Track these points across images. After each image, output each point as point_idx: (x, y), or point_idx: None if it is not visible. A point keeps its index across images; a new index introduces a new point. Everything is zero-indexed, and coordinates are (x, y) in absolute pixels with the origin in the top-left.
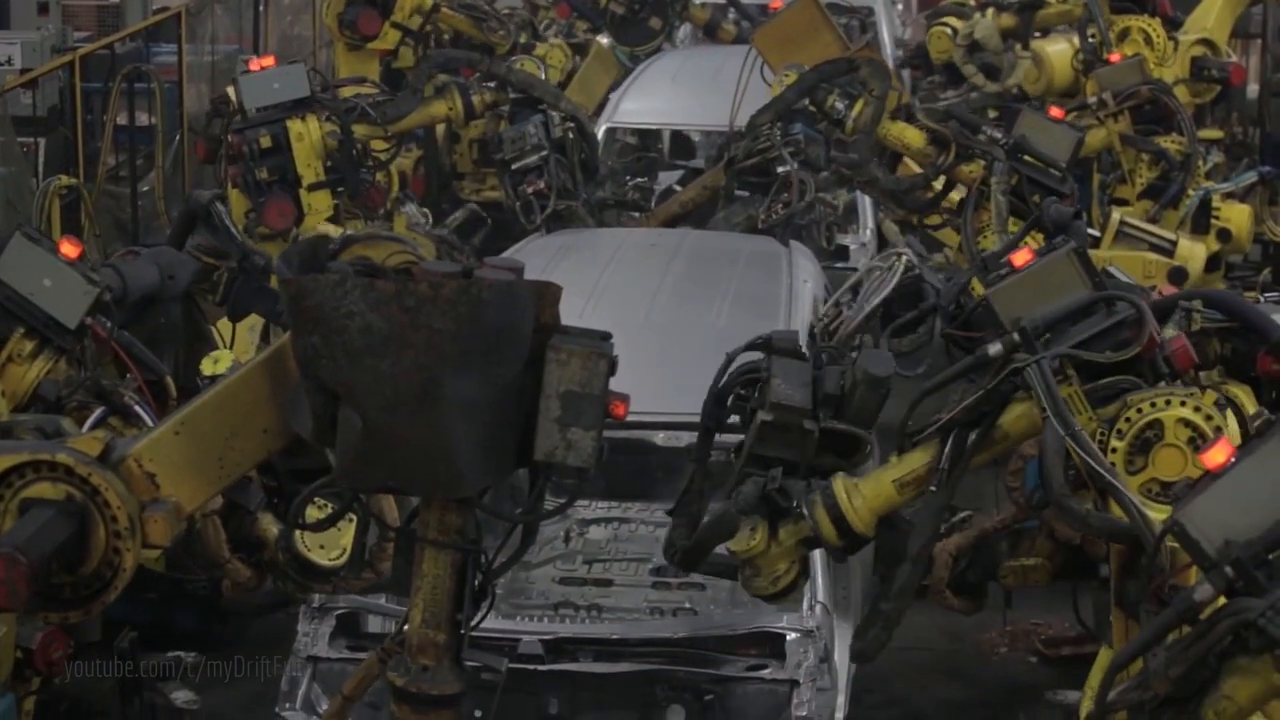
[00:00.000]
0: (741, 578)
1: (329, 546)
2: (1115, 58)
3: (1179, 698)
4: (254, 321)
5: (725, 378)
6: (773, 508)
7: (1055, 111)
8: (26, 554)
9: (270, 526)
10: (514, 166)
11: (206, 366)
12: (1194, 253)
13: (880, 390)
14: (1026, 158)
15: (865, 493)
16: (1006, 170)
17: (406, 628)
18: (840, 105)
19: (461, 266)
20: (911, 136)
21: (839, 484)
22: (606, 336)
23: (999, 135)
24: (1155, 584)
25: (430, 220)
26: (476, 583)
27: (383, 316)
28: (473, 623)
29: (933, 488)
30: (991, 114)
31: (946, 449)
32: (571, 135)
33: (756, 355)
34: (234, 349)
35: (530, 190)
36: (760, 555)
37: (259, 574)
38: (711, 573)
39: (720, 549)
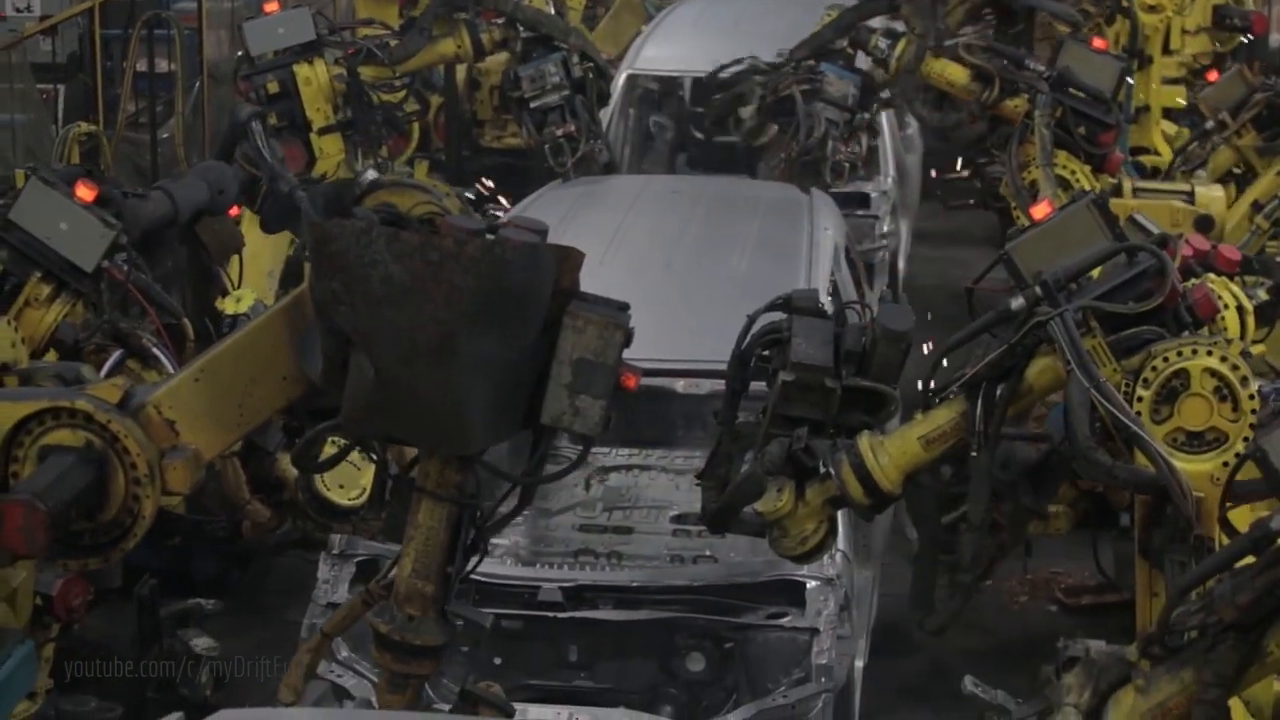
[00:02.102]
0: (769, 539)
1: (348, 486)
2: (1213, 76)
3: (1243, 625)
4: (273, 267)
5: (747, 339)
6: (799, 468)
7: (1098, 42)
8: (45, 501)
9: (290, 467)
10: (533, 105)
11: (229, 305)
12: (1213, 197)
13: (901, 345)
14: (1071, 89)
15: (891, 451)
16: (1050, 103)
17: (396, 574)
18: (883, 44)
19: (486, 223)
20: (955, 73)
21: (864, 442)
22: (624, 307)
23: (1042, 68)
24: (1191, 535)
25: None
26: (470, 538)
27: (405, 268)
28: (461, 576)
29: (973, 452)
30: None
31: (978, 408)
32: (591, 75)
33: (778, 315)
34: (243, 285)
35: (560, 133)
36: (787, 516)
37: (279, 514)
38: (743, 532)
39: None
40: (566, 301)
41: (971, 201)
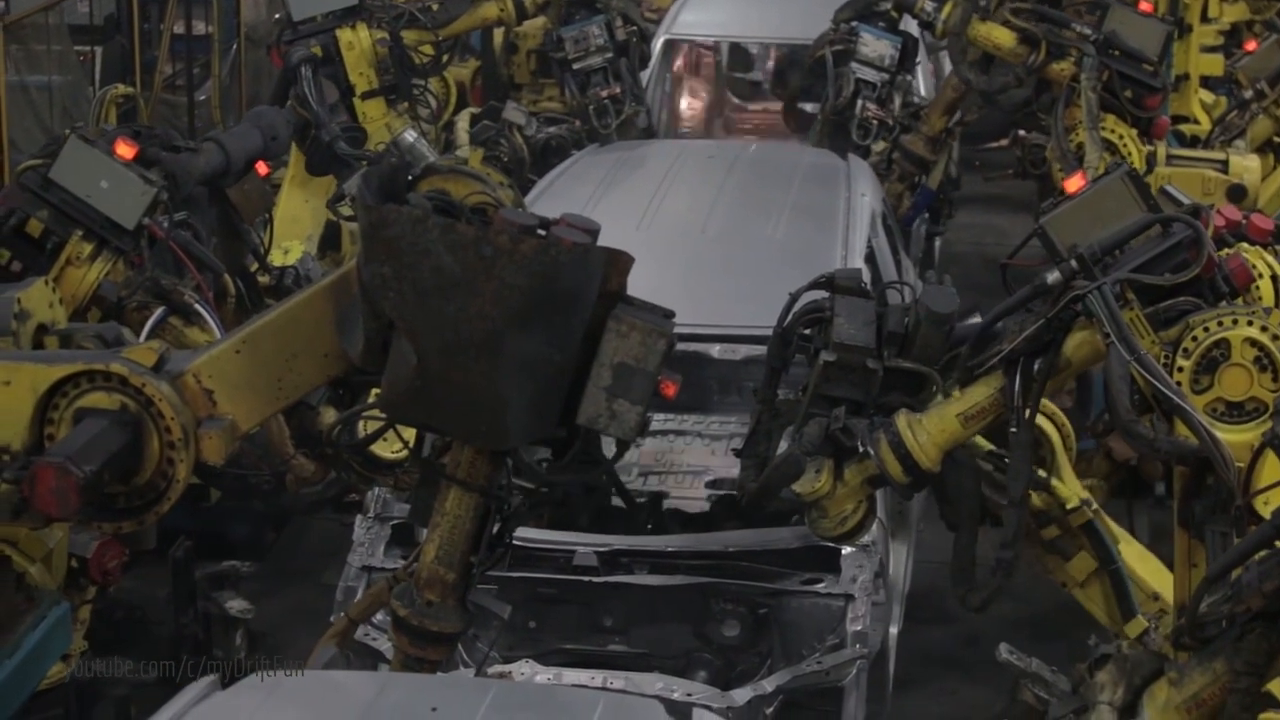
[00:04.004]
0: (808, 520)
1: (391, 439)
2: (1251, 46)
3: (1270, 612)
4: (312, 231)
5: (789, 317)
6: (837, 447)
7: (1144, 5)
8: (78, 464)
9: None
10: (576, 66)
11: (276, 257)
12: (1248, 166)
13: (943, 327)
14: (1116, 52)
15: (930, 428)
16: (1097, 66)
17: (419, 559)
18: (930, 7)
19: (539, 219)
20: (1001, 36)
21: (902, 421)
22: (670, 315)
23: (1089, 31)
24: (1233, 506)
25: (530, 121)
26: (495, 529)
27: (457, 261)
28: (484, 569)
29: (1013, 429)
30: None
31: (1016, 384)
32: (634, 40)
33: (820, 293)
34: (274, 239)
35: (605, 95)
36: (826, 496)
37: (323, 468)
38: (785, 509)
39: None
40: (612, 304)
41: (1010, 171)
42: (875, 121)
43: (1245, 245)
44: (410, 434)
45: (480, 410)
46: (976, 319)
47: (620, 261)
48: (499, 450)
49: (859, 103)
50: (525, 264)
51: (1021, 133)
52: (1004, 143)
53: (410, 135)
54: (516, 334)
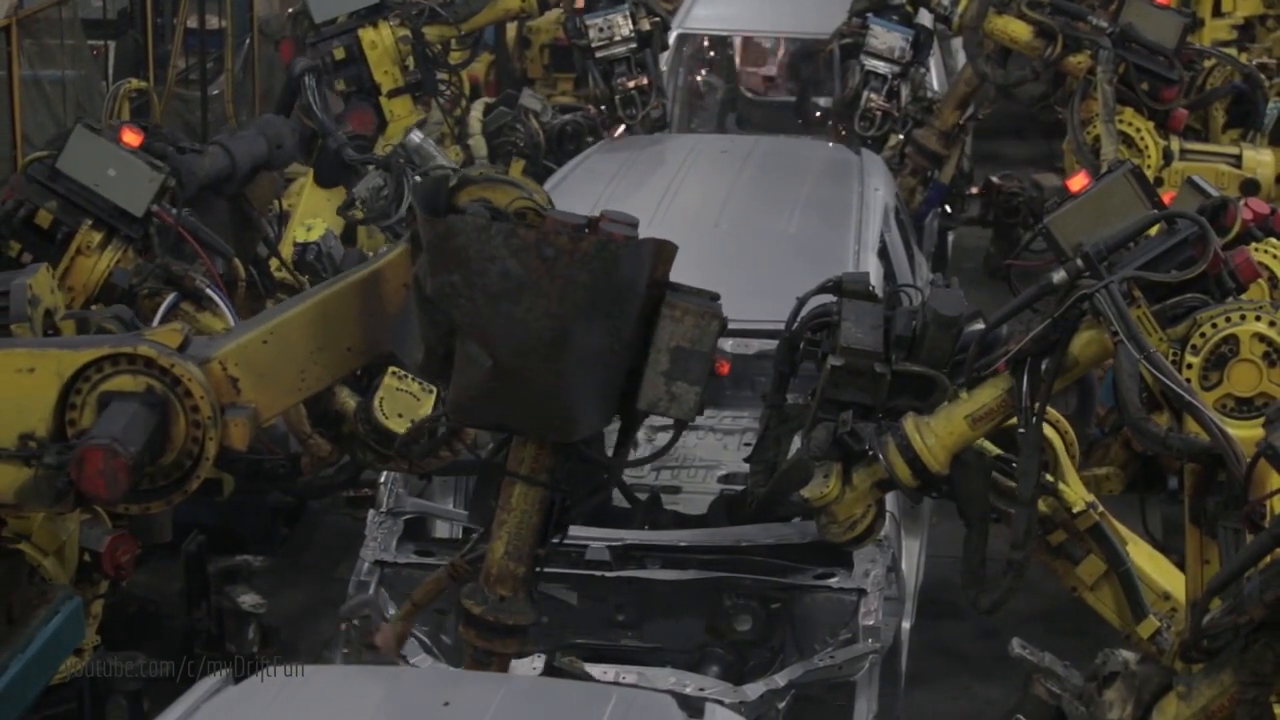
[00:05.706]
0: (818, 525)
1: (407, 415)
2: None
3: (1274, 622)
4: (331, 228)
5: (796, 322)
6: (845, 452)
7: None
8: (124, 444)
9: (348, 399)
10: (599, 55)
11: (300, 234)
12: (1261, 160)
13: (951, 331)
14: (1133, 45)
15: (938, 430)
16: (1113, 59)
17: (486, 556)
18: (946, 0)
19: (585, 218)
20: (1017, 30)
21: (910, 424)
22: (716, 297)
23: (1105, 24)
24: (1245, 507)
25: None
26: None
27: (522, 264)
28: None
29: (1021, 429)
30: None
31: (1024, 385)
32: (657, 31)
33: (828, 297)
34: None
35: (632, 85)
36: (835, 501)
37: (339, 447)
38: (794, 514)
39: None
40: (660, 292)
41: (974, 215)
42: (879, 113)
43: (1274, 240)
44: (426, 408)
45: (552, 406)
46: (980, 325)
47: (665, 251)
48: (566, 443)
49: (864, 94)
50: (586, 261)
51: (994, 179)
52: (975, 190)
53: (416, 136)
54: (582, 329)
